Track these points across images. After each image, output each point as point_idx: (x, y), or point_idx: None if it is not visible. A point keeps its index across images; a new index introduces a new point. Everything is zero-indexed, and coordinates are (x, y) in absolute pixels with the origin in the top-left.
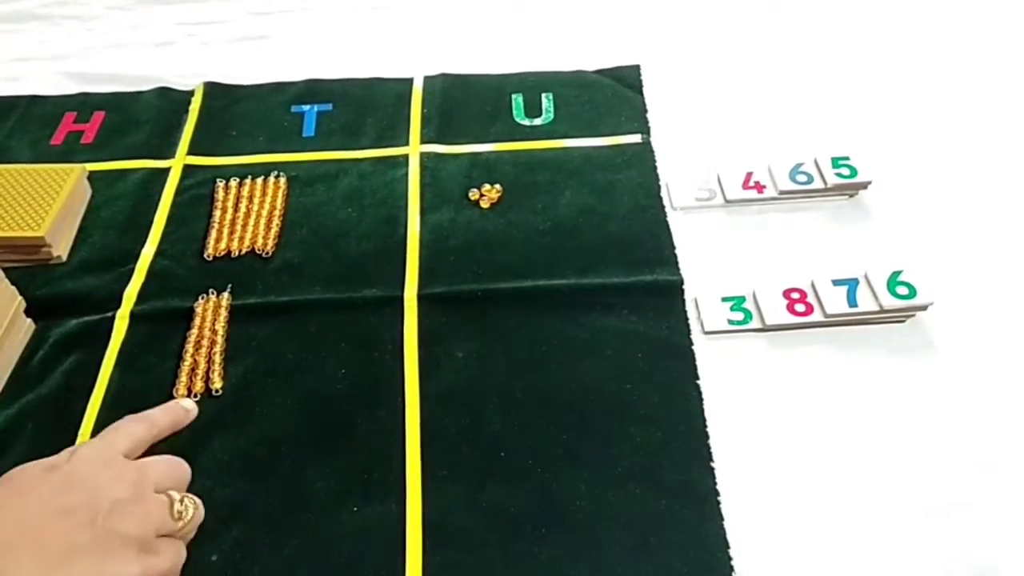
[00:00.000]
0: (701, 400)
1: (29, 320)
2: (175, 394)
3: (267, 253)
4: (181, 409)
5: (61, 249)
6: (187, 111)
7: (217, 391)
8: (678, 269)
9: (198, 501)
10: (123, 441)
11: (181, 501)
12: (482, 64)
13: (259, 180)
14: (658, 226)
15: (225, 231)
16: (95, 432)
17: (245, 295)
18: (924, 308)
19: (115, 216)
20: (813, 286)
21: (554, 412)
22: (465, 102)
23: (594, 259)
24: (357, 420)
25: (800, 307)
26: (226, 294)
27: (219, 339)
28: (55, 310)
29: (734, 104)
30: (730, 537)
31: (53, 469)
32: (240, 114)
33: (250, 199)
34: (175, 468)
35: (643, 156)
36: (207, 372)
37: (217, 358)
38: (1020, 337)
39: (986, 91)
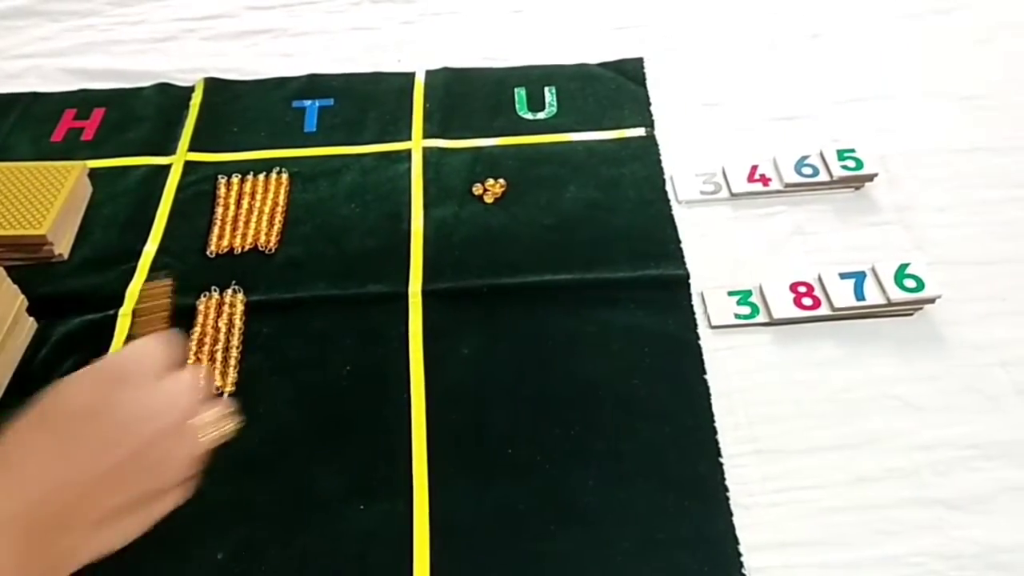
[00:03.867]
0: (708, 395)
1: (31, 319)
2: None
3: (270, 250)
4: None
5: (63, 247)
6: (187, 107)
7: (221, 389)
8: (684, 263)
9: (226, 418)
10: (160, 367)
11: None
12: (484, 58)
13: (261, 176)
14: (663, 220)
15: (228, 228)
16: None
17: (249, 292)
18: (932, 301)
19: (116, 214)
20: (820, 280)
21: (561, 408)
22: (468, 96)
23: (599, 254)
24: (363, 417)
25: (807, 301)
26: (229, 291)
27: (223, 336)
28: (57, 309)
29: (738, 97)
30: (739, 533)
31: (96, 415)
32: (241, 110)
33: (252, 195)
34: (199, 386)
35: (647, 150)
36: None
37: (220, 355)
38: None
39: (993, 81)
